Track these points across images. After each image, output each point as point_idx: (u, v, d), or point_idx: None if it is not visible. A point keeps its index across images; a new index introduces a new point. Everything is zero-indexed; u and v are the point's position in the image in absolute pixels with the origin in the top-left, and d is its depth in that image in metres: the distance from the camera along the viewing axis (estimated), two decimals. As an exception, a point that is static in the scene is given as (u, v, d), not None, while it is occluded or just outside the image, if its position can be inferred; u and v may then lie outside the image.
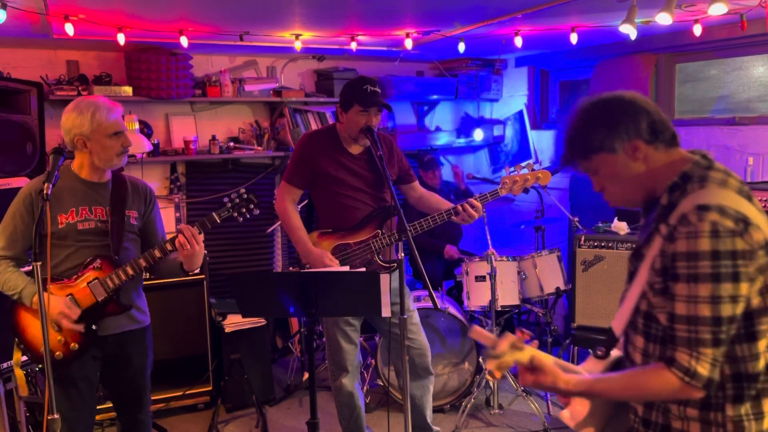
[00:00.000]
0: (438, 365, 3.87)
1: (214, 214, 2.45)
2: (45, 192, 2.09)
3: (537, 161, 3.08)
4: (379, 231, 2.99)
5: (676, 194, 1.41)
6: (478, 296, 3.90)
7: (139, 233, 2.52)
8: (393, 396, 3.80)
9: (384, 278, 2.61)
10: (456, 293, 4.75)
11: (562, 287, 3.96)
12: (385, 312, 2.51)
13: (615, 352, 1.59)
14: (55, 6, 3.04)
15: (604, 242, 3.72)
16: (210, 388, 4.02)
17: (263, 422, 3.71)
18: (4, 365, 3.04)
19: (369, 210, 3.01)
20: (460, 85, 5.49)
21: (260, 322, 4.06)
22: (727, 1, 2.84)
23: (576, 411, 1.55)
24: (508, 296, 3.91)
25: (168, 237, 2.52)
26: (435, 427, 3.27)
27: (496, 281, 3.75)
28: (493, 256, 3.74)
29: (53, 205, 2.31)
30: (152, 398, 2.76)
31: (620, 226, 3.76)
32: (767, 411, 1.38)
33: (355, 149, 3.02)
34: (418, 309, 3.21)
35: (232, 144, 4.69)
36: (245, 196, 2.48)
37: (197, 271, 2.78)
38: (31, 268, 2.05)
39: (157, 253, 2.39)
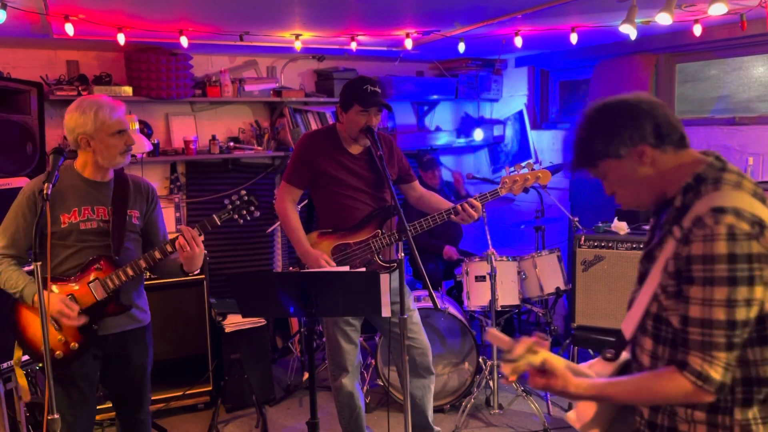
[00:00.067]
0: (438, 365, 3.87)
1: (214, 215, 2.45)
2: (45, 192, 2.10)
3: (537, 161, 3.09)
4: (379, 231, 2.99)
5: (689, 196, 1.40)
6: (478, 296, 3.89)
7: (140, 233, 2.53)
8: (393, 396, 3.80)
9: (384, 278, 2.61)
10: (456, 293, 4.75)
11: (562, 287, 3.96)
12: (385, 312, 2.52)
13: (624, 354, 1.58)
14: (55, 6, 3.04)
15: (604, 242, 3.71)
16: (210, 388, 4.02)
17: (263, 422, 3.71)
18: (4, 365, 3.04)
19: (369, 210, 3.01)
20: (460, 85, 5.49)
21: (260, 322, 4.06)
22: (727, 1, 2.84)
23: (582, 412, 1.55)
24: (508, 296, 3.91)
25: (169, 237, 2.52)
26: (436, 427, 3.27)
27: (496, 281, 3.75)
28: (493, 256, 3.74)
29: (56, 204, 2.32)
30: (152, 398, 2.77)
31: (620, 226, 3.76)
32: None
33: (355, 149, 3.02)
34: (418, 309, 3.21)
35: (232, 144, 4.70)
36: (246, 197, 2.48)
37: (197, 271, 2.78)
38: (32, 267, 2.05)
39: (158, 255, 2.40)
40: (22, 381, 2.62)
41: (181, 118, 4.66)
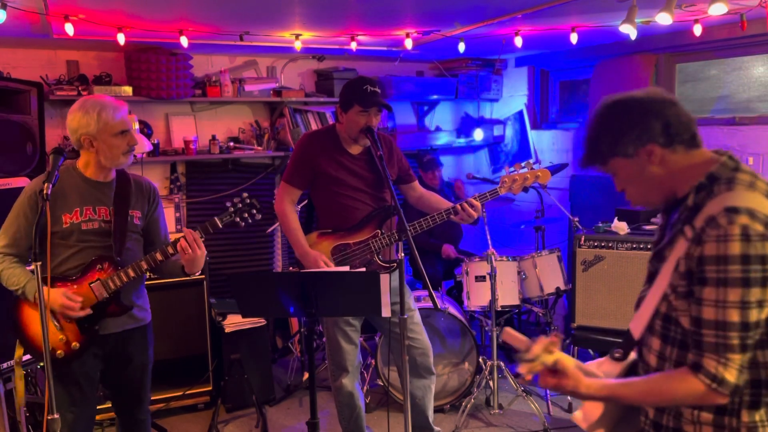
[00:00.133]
0: (438, 365, 3.86)
1: (216, 218, 2.46)
2: (45, 192, 2.10)
3: (537, 161, 3.08)
4: (379, 231, 2.99)
5: (701, 195, 1.38)
6: (478, 296, 3.89)
7: (142, 233, 2.53)
8: (393, 396, 3.80)
9: (384, 278, 2.61)
10: (456, 293, 4.75)
11: (562, 287, 3.96)
12: (385, 312, 2.52)
13: (633, 355, 1.57)
14: (55, 6, 3.04)
15: (604, 242, 3.72)
16: (210, 388, 4.02)
17: (263, 422, 3.71)
18: (4, 365, 3.04)
19: (369, 210, 3.01)
20: (460, 85, 5.49)
21: (260, 322, 4.06)
22: (727, 1, 2.84)
23: (589, 412, 1.54)
24: (508, 296, 3.91)
25: (170, 237, 2.53)
26: (436, 428, 3.27)
27: (496, 281, 3.75)
28: (493, 256, 3.74)
29: (57, 204, 2.32)
30: (152, 398, 2.77)
31: (620, 226, 3.76)
32: None
33: (355, 149, 3.02)
34: (418, 309, 3.21)
35: (232, 144, 4.70)
36: (248, 200, 2.49)
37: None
38: (32, 267, 2.06)
39: (159, 257, 2.41)
40: (19, 383, 2.61)
41: (181, 118, 4.66)
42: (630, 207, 4.05)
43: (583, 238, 3.77)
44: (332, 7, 3.33)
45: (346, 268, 2.85)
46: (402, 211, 2.69)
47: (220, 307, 4.12)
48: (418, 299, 3.85)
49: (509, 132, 5.84)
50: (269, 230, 4.72)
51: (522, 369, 1.40)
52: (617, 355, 1.56)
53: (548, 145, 5.58)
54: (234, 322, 3.98)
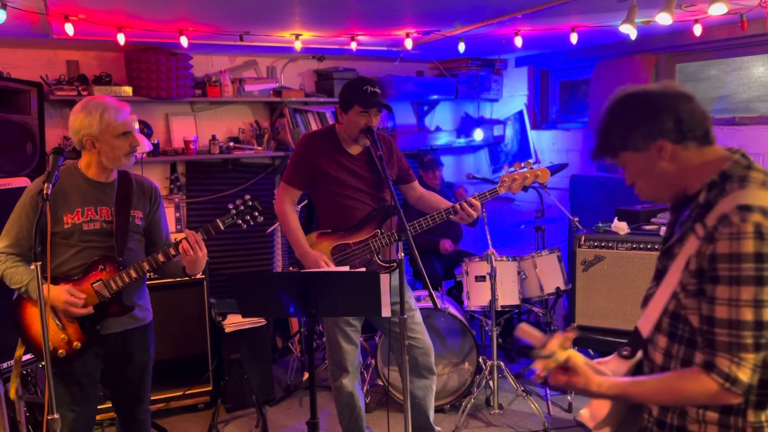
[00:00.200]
0: (438, 365, 3.85)
1: (218, 220, 2.46)
2: (45, 192, 2.10)
3: (537, 161, 3.08)
4: (379, 231, 2.99)
5: (713, 193, 1.37)
6: (478, 296, 3.89)
7: (143, 233, 2.53)
8: (393, 396, 3.80)
9: (384, 278, 2.61)
10: (456, 293, 4.75)
11: (562, 287, 3.96)
12: (385, 312, 2.52)
13: (640, 353, 1.56)
14: (55, 6, 3.04)
15: (604, 242, 3.72)
16: (210, 388, 4.03)
17: (263, 422, 3.71)
18: (4, 365, 3.04)
19: (369, 210, 3.01)
20: (460, 85, 5.49)
21: (260, 322, 4.06)
22: (727, 1, 2.84)
23: (596, 411, 1.53)
24: (508, 296, 3.91)
25: (171, 237, 2.53)
26: (436, 428, 3.27)
27: (496, 281, 3.75)
28: (493, 256, 3.74)
29: (59, 204, 2.33)
30: (152, 398, 2.76)
31: (620, 226, 3.76)
32: None
33: (355, 149, 3.02)
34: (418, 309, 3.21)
35: (232, 144, 4.70)
36: (250, 203, 2.49)
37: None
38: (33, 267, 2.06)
39: (161, 258, 2.41)
40: (14, 379, 2.60)
41: (181, 118, 4.66)
42: (630, 207, 4.06)
43: (583, 238, 3.77)
44: (332, 7, 3.33)
45: (346, 268, 2.85)
46: (402, 211, 2.69)
47: (220, 307, 4.12)
48: (418, 299, 3.85)
49: (509, 132, 5.84)
50: (269, 230, 4.72)
51: (538, 366, 1.39)
52: (625, 353, 1.54)
53: (548, 145, 5.58)
54: (234, 322, 3.98)
